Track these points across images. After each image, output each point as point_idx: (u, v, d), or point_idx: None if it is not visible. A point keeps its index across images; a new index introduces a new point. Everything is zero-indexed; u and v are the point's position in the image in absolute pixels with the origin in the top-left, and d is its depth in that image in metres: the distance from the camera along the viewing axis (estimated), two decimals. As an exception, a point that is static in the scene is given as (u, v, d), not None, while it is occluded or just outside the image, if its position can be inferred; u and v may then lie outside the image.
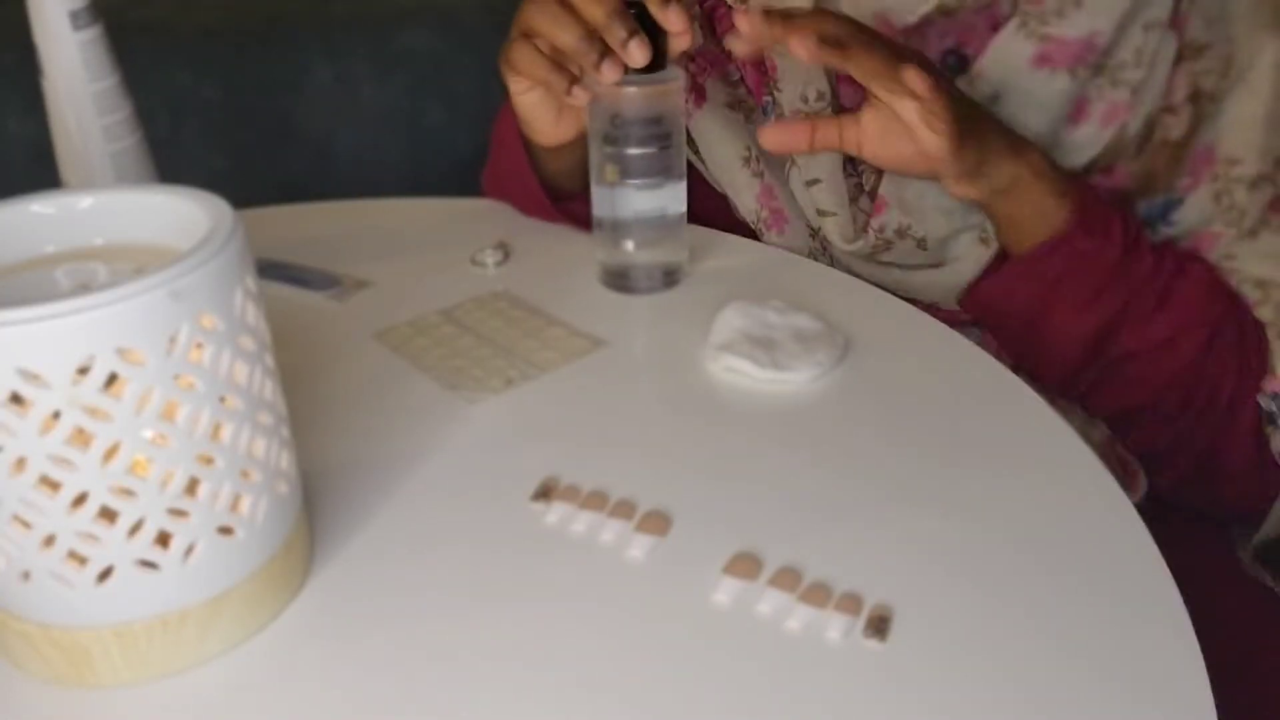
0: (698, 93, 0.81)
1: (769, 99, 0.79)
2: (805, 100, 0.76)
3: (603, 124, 0.66)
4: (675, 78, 0.66)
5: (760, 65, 0.79)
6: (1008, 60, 0.70)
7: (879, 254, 0.76)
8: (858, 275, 0.77)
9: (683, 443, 0.57)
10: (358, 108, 1.25)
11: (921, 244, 0.75)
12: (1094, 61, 0.70)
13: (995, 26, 0.71)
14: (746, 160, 0.80)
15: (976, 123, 0.67)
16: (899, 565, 0.48)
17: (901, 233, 0.75)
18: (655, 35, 0.64)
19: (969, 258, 0.75)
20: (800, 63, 0.74)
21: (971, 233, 0.75)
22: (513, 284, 0.72)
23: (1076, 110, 0.72)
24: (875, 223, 0.75)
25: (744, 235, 0.80)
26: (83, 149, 0.65)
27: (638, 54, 0.63)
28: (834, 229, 0.76)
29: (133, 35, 1.20)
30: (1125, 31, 0.70)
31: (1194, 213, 0.72)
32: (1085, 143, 0.72)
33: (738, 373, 0.61)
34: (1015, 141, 0.68)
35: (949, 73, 0.72)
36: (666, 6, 0.63)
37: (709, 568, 0.48)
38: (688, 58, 0.80)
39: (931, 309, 0.76)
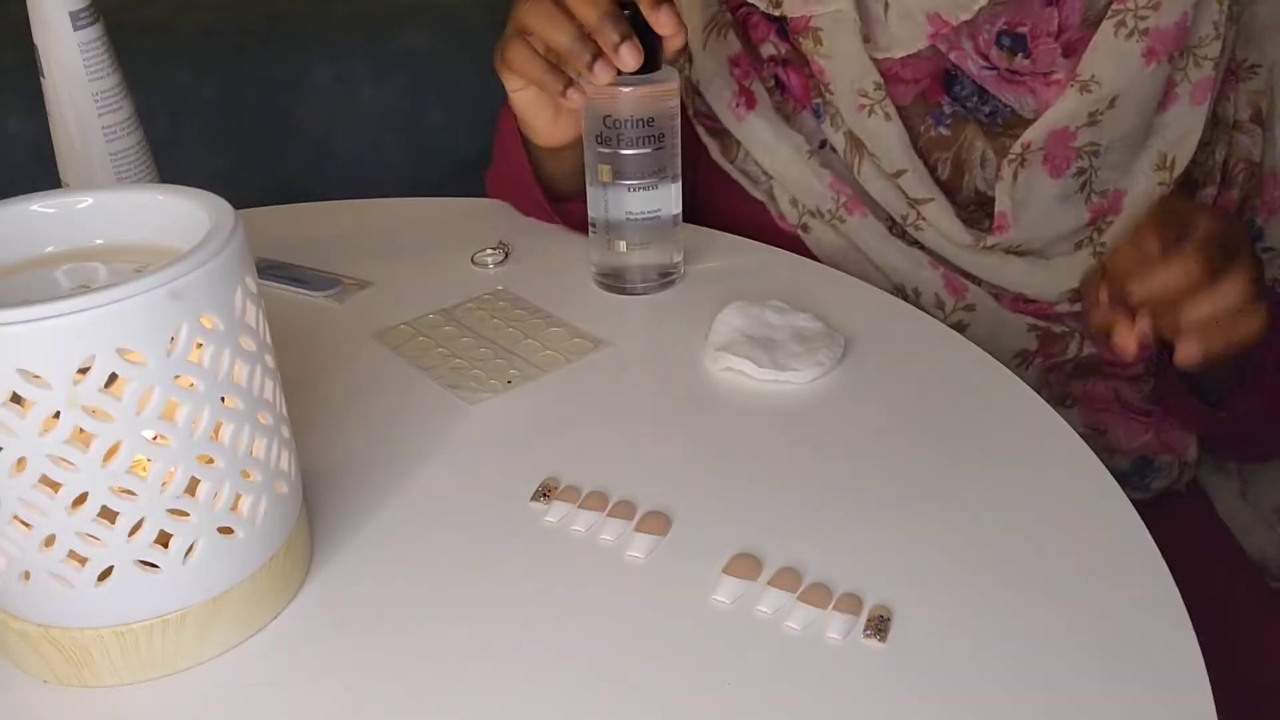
0: (747, 97, 0.80)
1: (818, 100, 0.78)
2: (864, 94, 0.75)
3: (596, 125, 0.66)
4: (669, 79, 0.66)
5: (800, 69, 0.79)
6: (1122, 63, 0.71)
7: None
8: (947, 260, 0.76)
9: (683, 443, 0.57)
10: (358, 108, 1.25)
11: (1029, 250, 0.76)
12: (1184, 44, 0.71)
13: (1050, 0, 0.71)
14: (811, 154, 0.79)
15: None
16: (899, 565, 0.48)
17: (1011, 248, 0.75)
18: (649, 36, 0.64)
19: (1074, 261, 0.76)
20: (847, 61, 0.74)
21: (1077, 237, 0.76)
22: (513, 284, 0.72)
23: (1165, 94, 0.73)
24: (990, 240, 0.75)
25: (784, 246, 0.77)
26: (83, 149, 0.66)
27: (629, 57, 0.63)
28: (939, 214, 0.75)
29: (133, 35, 1.20)
30: (1203, 6, 0.71)
31: (1275, 238, 0.74)
32: (1179, 126, 0.73)
33: (738, 373, 0.61)
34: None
35: (1005, 56, 0.72)
36: (658, 8, 0.63)
37: (709, 568, 0.48)
38: (731, 64, 0.80)
39: (1019, 300, 0.77)
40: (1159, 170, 0.74)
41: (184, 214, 0.44)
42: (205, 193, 0.45)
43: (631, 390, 0.62)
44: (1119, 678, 0.42)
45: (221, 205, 0.44)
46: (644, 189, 0.67)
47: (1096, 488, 0.52)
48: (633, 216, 0.68)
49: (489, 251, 0.75)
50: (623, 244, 0.69)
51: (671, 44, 0.65)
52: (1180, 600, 0.46)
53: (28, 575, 0.41)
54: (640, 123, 0.66)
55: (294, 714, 0.42)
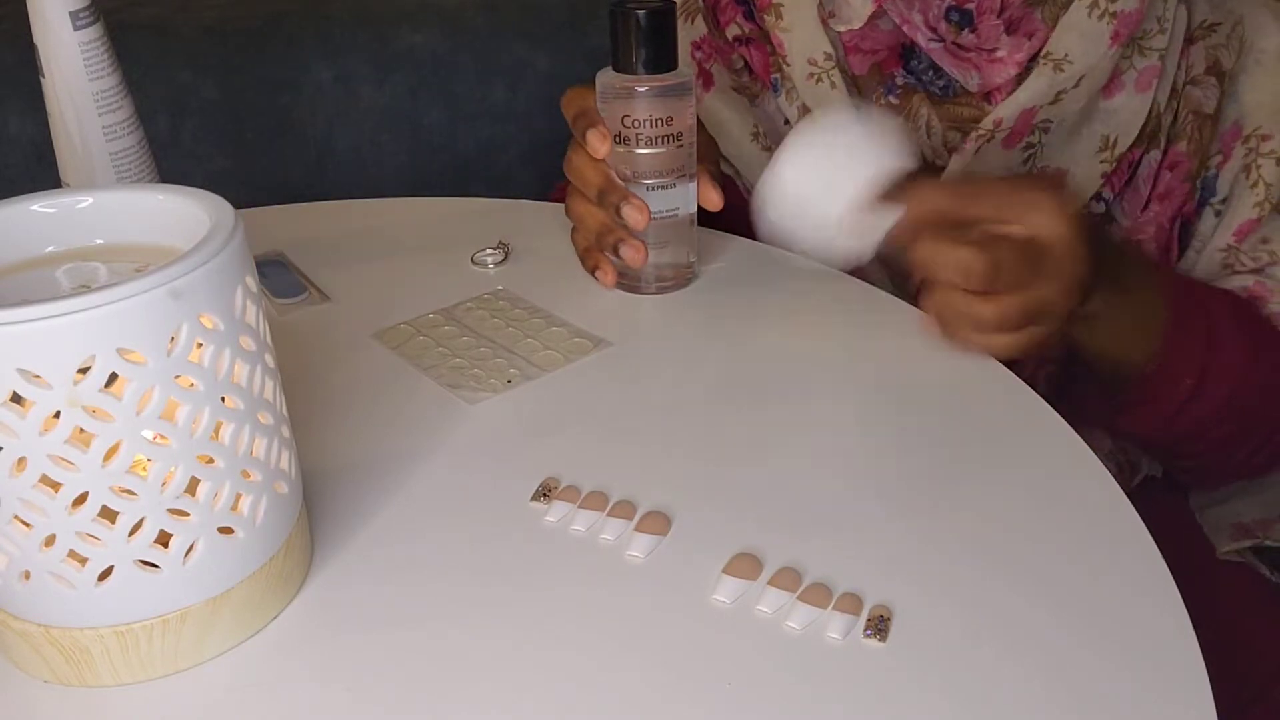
0: (705, 78, 0.84)
1: (776, 75, 0.81)
2: (814, 63, 0.78)
3: (615, 124, 0.66)
4: (686, 77, 0.66)
5: (762, 46, 0.81)
6: (1092, 44, 0.72)
7: None
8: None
9: (683, 442, 0.57)
10: (358, 108, 1.25)
11: None
12: (1135, 32, 0.73)
13: None
14: (755, 136, 0.83)
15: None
16: (899, 565, 0.48)
17: None
18: (667, 35, 0.64)
19: None
20: (804, 32, 0.76)
21: None
22: (513, 284, 0.72)
23: (1110, 81, 0.75)
24: None
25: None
26: (83, 149, 0.65)
27: (631, 258, 0.67)
28: None
29: (133, 35, 1.20)
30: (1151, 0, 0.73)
31: (1226, 187, 0.76)
32: (1126, 112, 0.75)
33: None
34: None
35: (953, 29, 0.74)
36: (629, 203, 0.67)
37: (709, 568, 0.48)
38: (694, 47, 0.84)
39: None
40: (1101, 151, 0.76)
41: (184, 214, 0.44)
42: (205, 193, 0.45)
43: (631, 390, 0.62)
44: (1119, 677, 0.42)
45: (221, 205, 0.44)
46: (663, 187, 0.67)
47: (1096, 487, 0.52)
48: (652, 215, 0.68)
49: (489, 251, 0.75)
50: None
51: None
52: (1180, 599, 0.46)
53: (28, 575, 0.41)
54: (659, 122, 0.66)
55: (294, 714, 0.42)
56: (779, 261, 0.75)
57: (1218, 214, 0.77)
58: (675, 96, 0.66)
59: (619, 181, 0.67)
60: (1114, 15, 0.72)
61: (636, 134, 0.66)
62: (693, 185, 0.69)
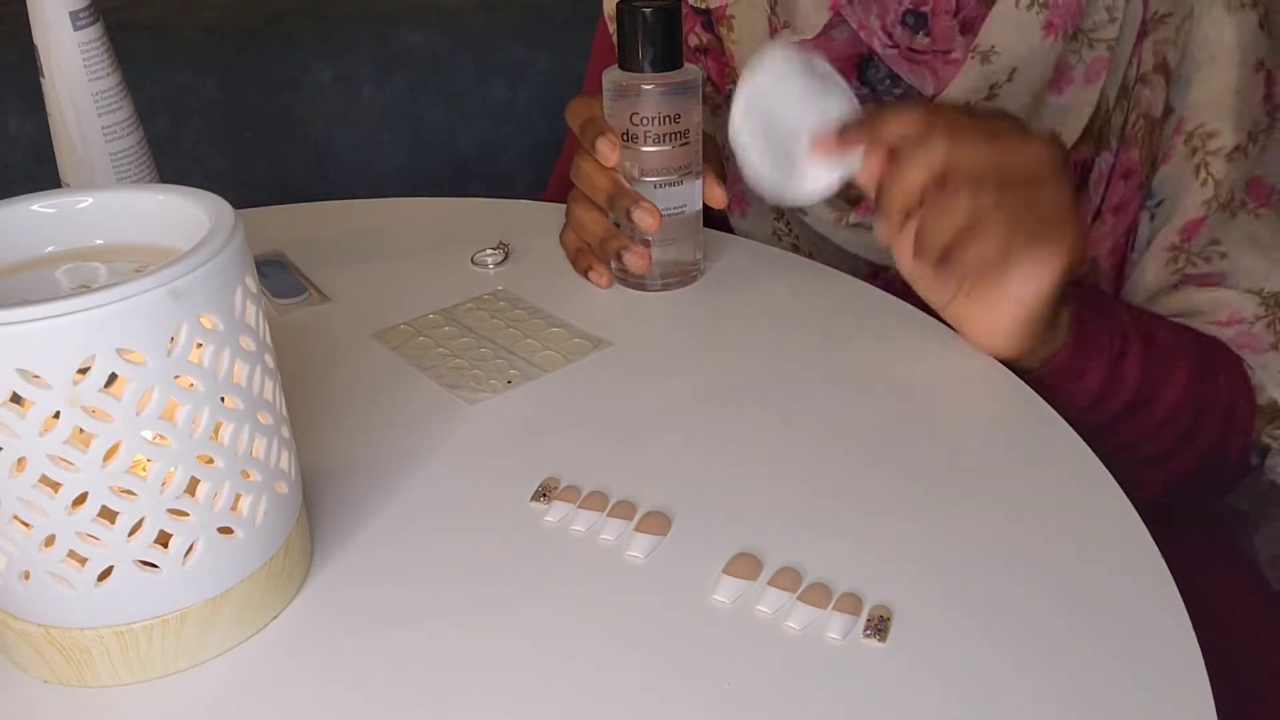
0: None
1: (730, 87, 0.81)
2: None
3: (623, 123, 0.66)
4: (694, 75, 0.67)
5: (718, 57, 0.81)
6: (1021, 35, 0.70)
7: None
8: (831, 241, 0.79)
9: (683, 443, 0.57)
10: (358, 108, 1.26)
11: None
12: (1077, 23, 0.71)
13: None
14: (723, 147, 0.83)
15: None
16: (899, 565, 0.48)
17: None
18: (672, 32, 0.65)
19: None
20: (754, 45, 0.76)
21: None
22: (513, 284, 0.72)
23: (1058, 75, 0.72)
24: (854, 218, 0.76)
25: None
26: (83, 149, 0.66)
27: (634, 264, 0.68)
28: (819, 208, 0.78)
29: (133, 35, 1.20)
30: None
31: (1166, 182, 0.73)
32: (1073, 107, 0.73)
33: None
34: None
35: (909, 32, 0.73)
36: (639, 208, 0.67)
37: (709, 568, 0.48)
38: None
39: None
40: None
41: (184, 214, 0.44)
42: (205, 193, 0.45)
43: (631, 390, 0.62)
44: (1119, 677, 0.42)
45: (221, 205, 0.44)
46: (670, 185, 0.68)
47: (1096, 487, 0.52)
48: (660, 212, 0.68)
49: (489, 251, 0.75)
50: (648, 240, 0.69)
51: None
52: (1180, 600, 0.46)
53: (28, 575, 0.41)
54: (667, 119, 0.66)
55: (294, 714, 0.42)
56: (779, 261, 0.75)
57: (1152, 217, 0.74)
58: (683, 94, 0.66)
59: (628, 186, 0.68)
60: (1045, 5, 0.69)
61: (645, 132, 0.66)
62: (699, 183, 0.69)
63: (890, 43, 0.74)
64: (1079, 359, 0.65)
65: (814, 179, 0.60)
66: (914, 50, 0.74)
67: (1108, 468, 0.53)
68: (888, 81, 0.76)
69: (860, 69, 0.76)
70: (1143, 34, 0.72)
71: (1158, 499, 0.73)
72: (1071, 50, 0.72)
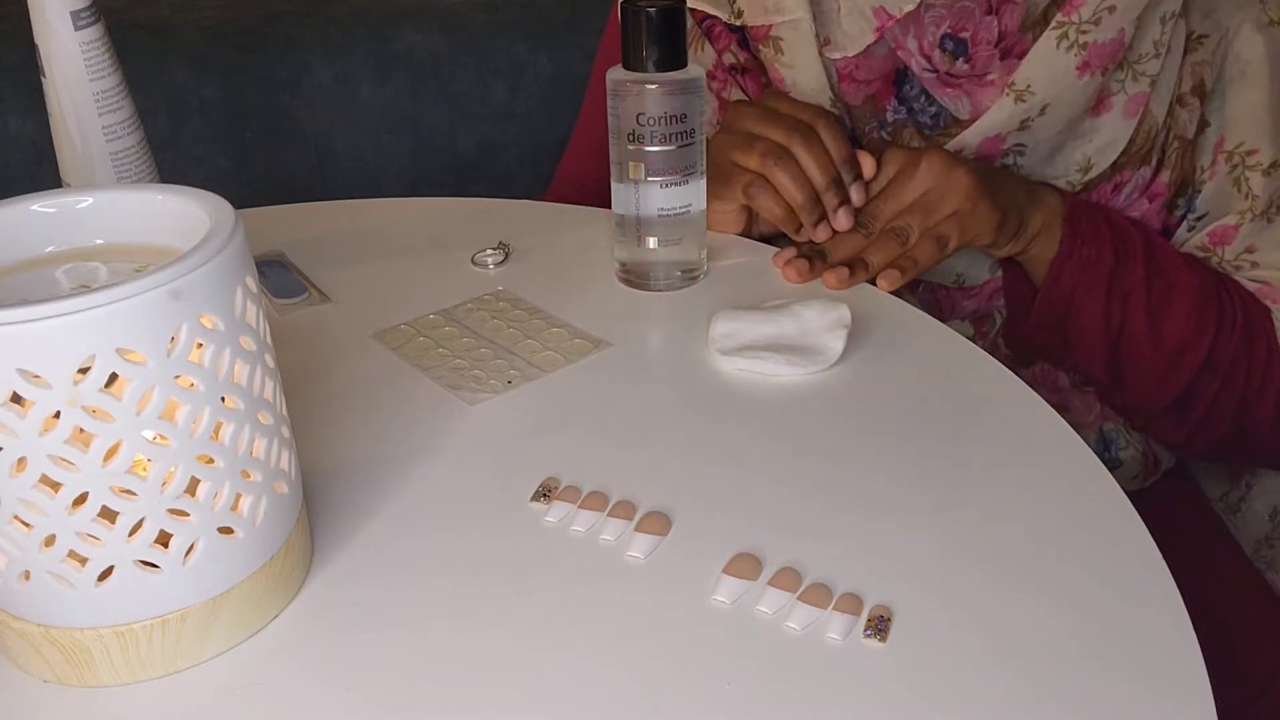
0: (722, 106, 0.83)
1: None
2: (809, 95, 0.77)
3: (629, 123, 0.67)
4: (698, 74, 0.67)
5: (757, 77, 0.80)
6: (1055, 74, 0.72)
7: None
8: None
9: (683, 443, 0.57)
10: (358, 108, 1.26)
11: None
12: (1120, 58, 0.72)
13: (991, 9, 0.72)
14: None
15: (999, 191, 0.71)
16: (899, 565, 0.48)
17: None
18: (679, 32, 0.65)
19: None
20: (806, 69, 0.76)
21: None
22: (513, 284, 0.72)
23: (1097, 103, 0.74)
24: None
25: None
26: (83, 149, 0.66)
27: (843, 220, 0.71)
28: None
29: (133, 35, 1.20)
30: (1145, 25, 0.72)
31: (1210, 199, 0.76)
32: (1108, 132, 0.75)
33: (758, 373, 0.61)
34: (1032, 187, 0.73)
35: (947, 59, 0.74)
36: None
37: (709, 568, 0.48)
38: (709, 77, 0.82)
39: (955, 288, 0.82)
40: (1079, 171, 0.76)
41: (184, 214, 0.44)
42: (205, 193, 0.45)
43: (632, 390, 0.62)
44: (1119, 677, 0.42)
45: (221, 205, 0.44)
46: (674, 184, 0.68)
47: (1096, 487, 0.52)
48: (664, 212, 0.68)
49: (489, 251, 0.75)
50: (653, 240, 0.69)
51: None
52: (1180, 599, 0.46)
53: (28, 575, 0.41)
54: (672, 119, 0.66)
55: (294, 714, 0.42)
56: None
57: (1191, 229, 0.78)
58: (687, 93, 0.66)
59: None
60: (1084, 47, 0.70)
61: (650, 131, 0.66)
62: (703, 182, 0.69)
63: (929, 65, 0.74)
64: (1077, 240, 0.73)
65: (829, 345, 0.62)
66: (951, 75, 0.74)
67: (1137, 416, 0.55)
68: (922, 98, 0.77)
69: (897, 85, 0.77)
70: (1185, 53, 0.75)
71: (1189, 444, 0.80)
72: (1115, 79, 0.73)
